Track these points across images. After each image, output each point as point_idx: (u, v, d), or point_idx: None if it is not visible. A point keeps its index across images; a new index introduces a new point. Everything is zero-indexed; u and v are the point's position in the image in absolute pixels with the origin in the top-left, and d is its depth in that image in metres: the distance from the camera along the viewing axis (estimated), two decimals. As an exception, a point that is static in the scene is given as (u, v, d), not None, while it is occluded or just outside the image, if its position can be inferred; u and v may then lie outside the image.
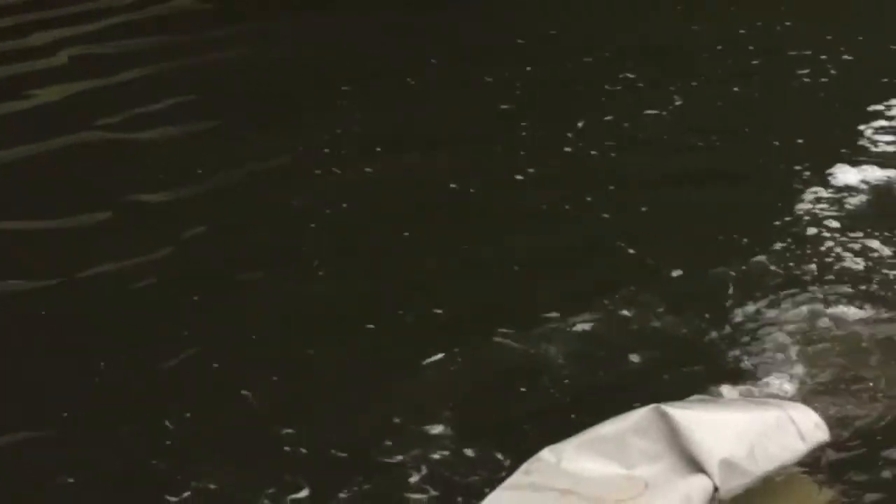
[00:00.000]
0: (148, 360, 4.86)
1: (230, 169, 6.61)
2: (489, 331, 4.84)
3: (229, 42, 8.65)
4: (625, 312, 4.96)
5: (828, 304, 4.92)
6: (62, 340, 5.08)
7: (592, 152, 6.59)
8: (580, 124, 6.92)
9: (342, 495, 4.03)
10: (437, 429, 4.29)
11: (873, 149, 6.47)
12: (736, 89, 7.46)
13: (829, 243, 5.47)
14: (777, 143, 6.64)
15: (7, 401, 4.69)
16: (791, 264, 5.31)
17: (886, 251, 5.37)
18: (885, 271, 5.22)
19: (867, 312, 4.85)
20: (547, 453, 3.79)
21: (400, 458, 4.16)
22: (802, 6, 8.96)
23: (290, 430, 4.35)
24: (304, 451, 4.26)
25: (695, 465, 3.73)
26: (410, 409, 4.41)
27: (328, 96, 7.57)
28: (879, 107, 6.94)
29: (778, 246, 5.47)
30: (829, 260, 5.33)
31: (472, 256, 5.58)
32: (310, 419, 4.43)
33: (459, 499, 3.94)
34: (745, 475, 3.76)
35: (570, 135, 6.79)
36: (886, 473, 4.01)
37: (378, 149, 6.77)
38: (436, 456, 4.16)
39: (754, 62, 7.86)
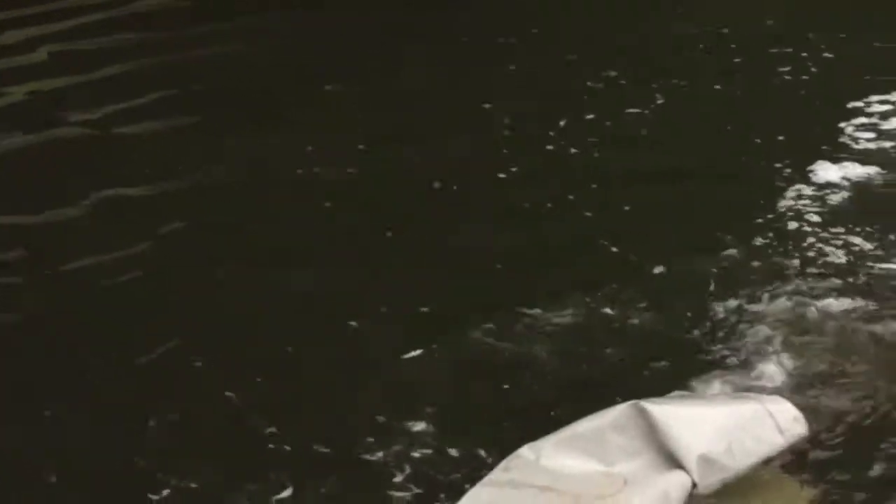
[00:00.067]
0: (129, 355, 4.84)
1: (212, 165, 6.60)
2: (471, 328, 4.84)
3: (212, 38, 8.64)
4: (607, 309, 4.97)
5: (809, 298, 4.93)
6: (42, 336, 5.06)
7: (575, 150, 6.60)
8: (562, 123, 6.93)
9: (325, 493, 4.03)
10: (418, 426, 4.29)
11: (854, 146, 6.50)
12: (718, 87, 7.48)
13: (811, 239, 5.49)
14: (759, 140, 6.65)
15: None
16: (773, 260, 5.33)
17: (867, 246, 5.39)
18: (866, 265, 5.24)
19: (849, 306, 4.86)
20: (526, 450, 3.80)
21: (382, 455, 4.16)
22: (784, 5, 8.99)
23: (272, 429, 4.34)
24: (287, 448, 4.25)
25: (673, 461, 3.74)
26: (392, 406, 4.41)
27: (312, 93, 7.56)
28: (859, 104, 6.97)
29: (760, 242, 5.48)
30: (811, 255, 5.35)
31: (454, 254, 5.58)
32: (292, 417, 4.42)
33: (441, 495, 3.94)
34: (723, 470, 3.77)
35: (552, 133, 6.80)
36: (869, 471, 4.01)
37: (360, 146, 6.77)
38: (417, 454, 4.16)
39: (736, 60, 7.88)
